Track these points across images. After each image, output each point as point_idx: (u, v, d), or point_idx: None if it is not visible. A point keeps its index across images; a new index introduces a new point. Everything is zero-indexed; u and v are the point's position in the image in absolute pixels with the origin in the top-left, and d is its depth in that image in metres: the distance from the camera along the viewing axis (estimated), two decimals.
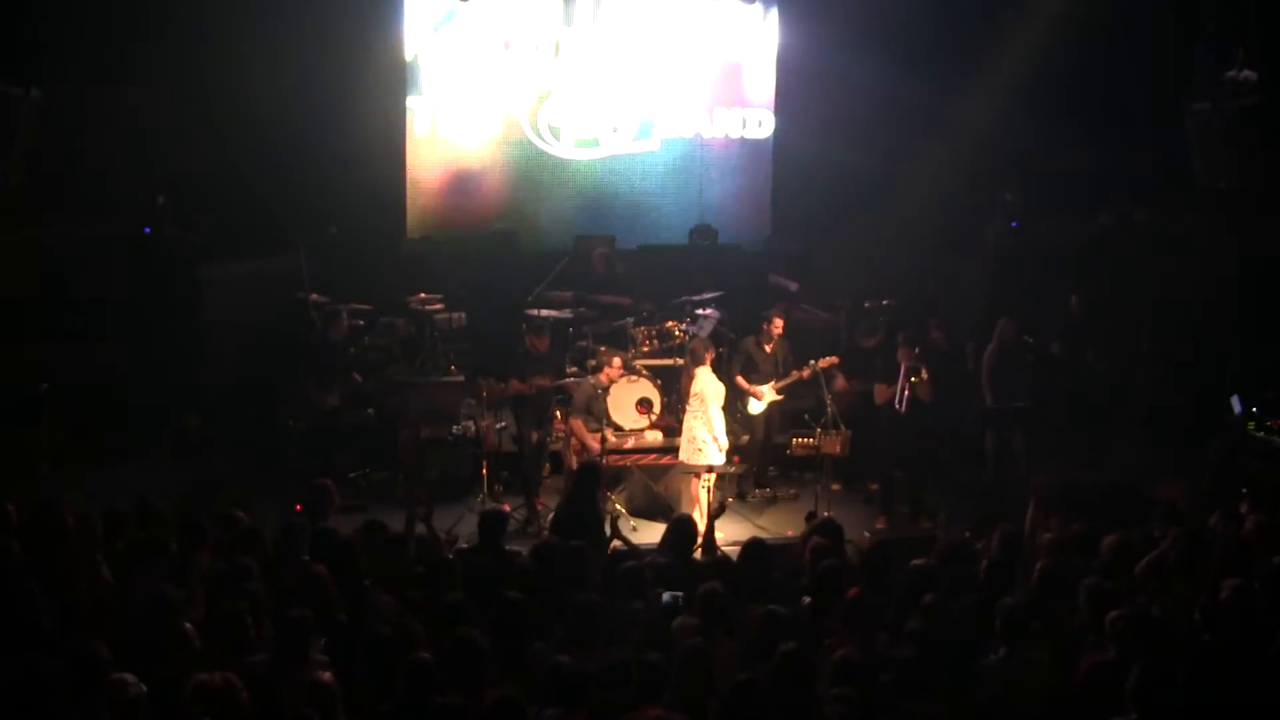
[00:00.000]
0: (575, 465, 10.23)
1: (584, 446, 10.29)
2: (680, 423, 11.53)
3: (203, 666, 5.51)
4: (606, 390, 10.53)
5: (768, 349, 11.35)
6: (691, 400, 10.40)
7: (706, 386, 10.28)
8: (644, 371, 11.71)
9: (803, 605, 6.77)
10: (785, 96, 14.40)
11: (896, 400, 10.49)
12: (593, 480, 8.84)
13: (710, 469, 10.20)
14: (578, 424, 10.26)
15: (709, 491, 10.14)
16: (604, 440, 10.44)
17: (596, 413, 10.37)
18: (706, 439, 10.20)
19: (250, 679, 5.43)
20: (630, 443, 10.58)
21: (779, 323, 11.34)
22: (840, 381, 10.87)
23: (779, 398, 11.27)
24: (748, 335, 11.59)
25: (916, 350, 10.56)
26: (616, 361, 10.56)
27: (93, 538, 7.32)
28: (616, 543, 8.56)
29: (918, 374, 10.46)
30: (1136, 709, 5.44)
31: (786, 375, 11.19)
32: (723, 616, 6.32)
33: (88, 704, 5.26)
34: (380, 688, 5.62)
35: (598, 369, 11.07)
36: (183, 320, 12.27)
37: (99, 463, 10.84)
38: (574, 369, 11.77)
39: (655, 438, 11.48)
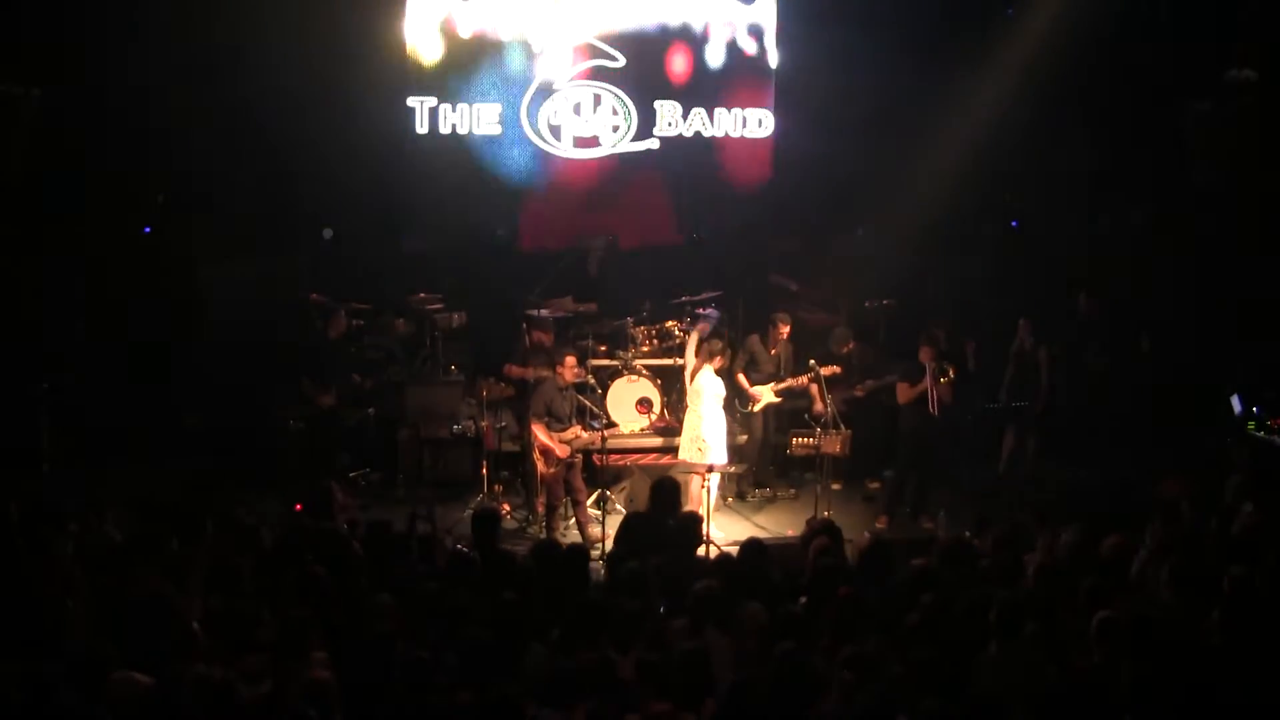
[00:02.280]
0: (542, 467, 10.21)
1: (547, 449, 10.23)
2: (680, 422, 11.58)
3: (203, 665, 5.51)
4: (566, 390, 10.48)
5: (772, 351, 11.36)
6: (689, 397, 10.40)
7: (704, 386, 10.28)
8: (644, 371, 11.71)
9: (799, 604, 6.77)
10: (785, 96, 14.39)
11: (930, 404, 10.47)
12: (671, 496, 8.56)
13: (710, 468, 10.20)
14: (539, 427, 10.23)
15: (708, 491, 10.14)
16: (574, 439, 10.35)
17: (558, 413, 10.32)
18: (704, 438, 10.20)
19: (250, 677, 5.43)
20: (599, 441, 10.53)
21: (784, 328, 11.34)
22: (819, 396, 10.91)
23: (777, 400, 11.27)
24: (752, 334, 11.59)
25: (937, 350, 10.57)
26: (570, 361, 10.42)
27: (90, 537, 7.35)
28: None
29: (945, 374, 10.47)
30: (1132, 711, 5.45)
31: (788, 378, 11.19)
32: (714, 614, 6.31)
33: (88, 704, 5.27)
34: (379, 687, 5.61)
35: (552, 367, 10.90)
36: (183, 320, 12.26)
37: (99, 463, 10.84)
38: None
39: (632, 429, 11.43)
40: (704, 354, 10.47)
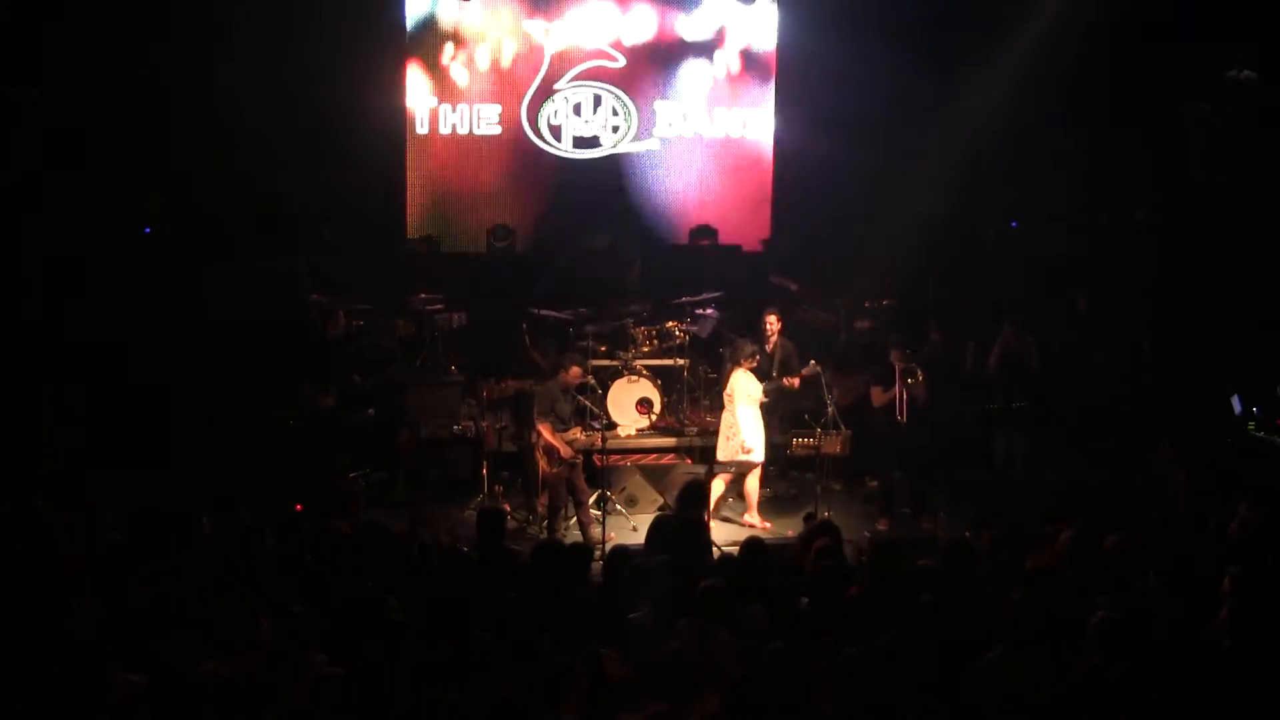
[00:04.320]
0: (545, 466, 10.25)
1: (552, 448, 10.26)
2: (680, 422, 11.62)
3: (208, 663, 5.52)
4: (568, 392, 10.52)
5: (767, 349, 11.34)
6: (725, 399, 10.60)
7: (738, 386, 10.42)
8: (644, 371, 11.71)
9: (801, 605, 6.76)
10: (785, 96, 14.40)
11: (897, 408, 10.48)
12: (698, 499, 8.60)
13: (736, 467, 10.42)
14: (546, 427, 10.27)
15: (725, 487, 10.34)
16: (574, 440, 10.39)
17: (560, 414, 10.36)
18: (745, 439, 10.40)
19: (250, 676, 5.43)
20: (599, 442, 10.58)
21: (772, 320, 11.31)
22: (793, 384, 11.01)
23: (764, 399, 11.25)
24: (745, 335, 11.57)
25: (908, 352, 10.59)
26: (575, 371, 10.54)
27: (91, 537, 7.34)
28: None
29: (914, 375, 10.49)
30: (1129, 712, 5.45)
31: (781, 378, 11.17)
32: (720, 614, 6.31)
33: (88, 703, 5.27)
34: (382, 687, 5.61)
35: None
36: (183, 320, 12.26)
37: (100, 463, 10.83)
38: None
39: (628, 433, 11.51)
40: (729, 359, 10.70)
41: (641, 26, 14.09)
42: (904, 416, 10.49)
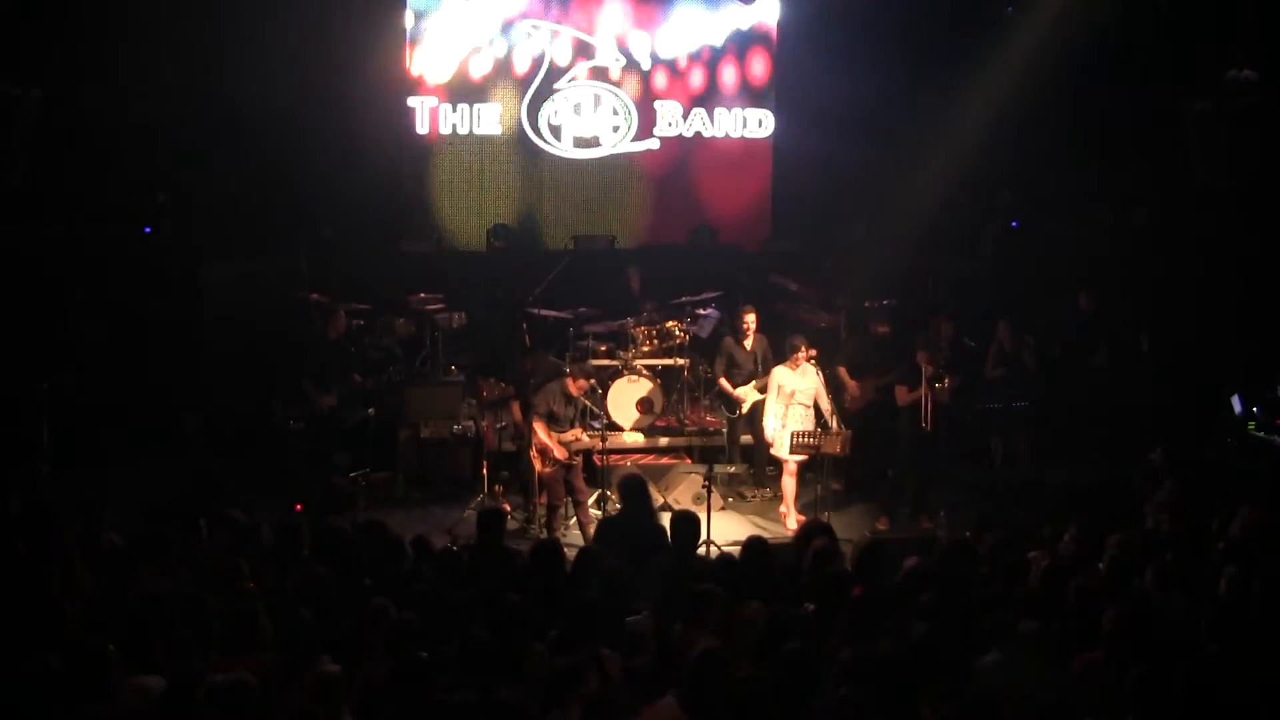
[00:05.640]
0: (539, 466, 10.25)
1: (545, 448, 10.26)
2: (680, 422, 11.59)
3: (207, 665, 5.52)
4: (570, 399, 10.51)
5: (747, 347, 11.31)
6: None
7: (772, 380, 10.58)
8: (644, 371, 11.71)
9: (805, 608, 6.74)
10: (785, 96, 14.40)
11: (924, 417, 10.46)
12: (638, 492, 8.52)
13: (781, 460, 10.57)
14: (540, 426, 10.27)
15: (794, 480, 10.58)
16: (574, 441, 10.39)
17: (558, 415, 10.35)
18: (766, 433, 10.58)
19: (253, 678, 5.43)
20: (599, 443, 10.60)
21: (748, 318, 11.31)
22: (852, 386, 11.01)
23: (761, 397, 11.24)
24: (725, 336, 11.58)
25: (933, 354, 10.58)
26: (581, 383, 10.54)
27: (90, 537, 7.35)
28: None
29: (941, 381, 10.48)
30: (1135, 711, 5.44)
31: (767, 374, 11.15)
32: (714, 615, 6.31)
33: (91, 703, 5.27)
34: (381, 687, 5.61)
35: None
36: (183, 320, 12.26)
37: (99, 463, 10.84)
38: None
39: (636, 438, 11.55)
40: (783, 353, 10.77)
41: (642, 26, 14.08)
42: (929, 424, 10.48)
